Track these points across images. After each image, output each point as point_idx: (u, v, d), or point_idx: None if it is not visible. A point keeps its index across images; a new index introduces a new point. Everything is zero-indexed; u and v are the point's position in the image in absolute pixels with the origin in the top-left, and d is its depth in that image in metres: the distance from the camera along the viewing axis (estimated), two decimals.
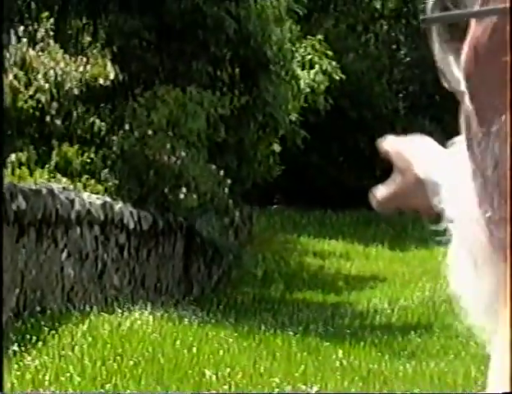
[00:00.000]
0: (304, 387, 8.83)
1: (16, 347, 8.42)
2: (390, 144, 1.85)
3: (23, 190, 9.30)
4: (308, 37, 20.66)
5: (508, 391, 0.77)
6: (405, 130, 1.78)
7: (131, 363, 8.70)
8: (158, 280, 13.41)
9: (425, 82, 24.59)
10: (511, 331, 0.77)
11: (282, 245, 20.21)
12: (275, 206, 19.40)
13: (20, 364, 8.18)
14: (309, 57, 20.18)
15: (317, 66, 20.06)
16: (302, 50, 20.03)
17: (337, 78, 20.42)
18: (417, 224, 20.47)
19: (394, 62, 26.56)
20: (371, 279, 17.55)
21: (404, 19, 26.50)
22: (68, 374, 8.09)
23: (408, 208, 1.86)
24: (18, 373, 7.95)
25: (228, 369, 9.00)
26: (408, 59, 25.99)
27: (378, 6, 26.32)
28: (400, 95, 26.78)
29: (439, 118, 23.18)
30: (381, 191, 1.84)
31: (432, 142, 1.78)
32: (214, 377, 8.69)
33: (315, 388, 8.81)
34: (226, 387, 8.55)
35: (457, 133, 0.90)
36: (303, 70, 19.39)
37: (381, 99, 24.95)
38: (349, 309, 14.59)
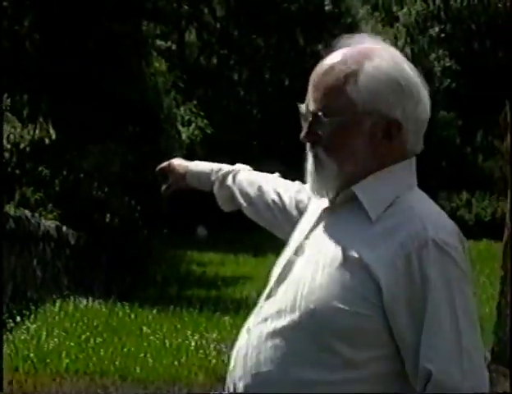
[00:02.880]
0: (206, 334, 10.46)
1: (18, 318, 10.10)
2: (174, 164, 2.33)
3: (12, 216, 11.22)
4: (187, 102, 21.81)
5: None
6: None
7: (95, 323, 10.45)
8: (93, 280, 14.93)
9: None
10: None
11: (174, 259, 21.67)
12: (165, 231, 20.96)
13: (24, 327, 9.76)
14: (188, 117, 21.48)
15: (193, 124, 21.47)
16: (183, 112, 21.20)
17: (209, 132, 21.88)
18: (272, 240, 21.54)
19: (248, 118, 28.02)
20: (242, 278, 19.13)
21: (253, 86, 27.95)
22: (57, 331, 9.67)
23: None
24: (24, 332, 9.58)
25: (157, 326, 10.73)
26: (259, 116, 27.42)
27: (236, 77, 28.02)
28: (254, 142, 28.31)
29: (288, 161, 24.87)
30: (166, 189, 2.34)
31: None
32: (149, 331, 10.24)
33: (214, 335, 10.52)
34: (157, 335, 10.06)
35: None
36: (183, 127, 20.67)
37: (240, 146, 26.27)
38: (229, 298, 16.10)
